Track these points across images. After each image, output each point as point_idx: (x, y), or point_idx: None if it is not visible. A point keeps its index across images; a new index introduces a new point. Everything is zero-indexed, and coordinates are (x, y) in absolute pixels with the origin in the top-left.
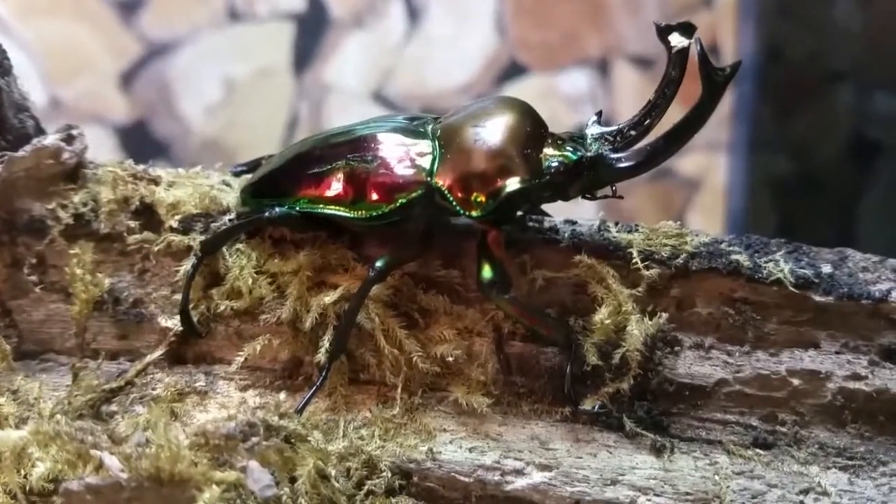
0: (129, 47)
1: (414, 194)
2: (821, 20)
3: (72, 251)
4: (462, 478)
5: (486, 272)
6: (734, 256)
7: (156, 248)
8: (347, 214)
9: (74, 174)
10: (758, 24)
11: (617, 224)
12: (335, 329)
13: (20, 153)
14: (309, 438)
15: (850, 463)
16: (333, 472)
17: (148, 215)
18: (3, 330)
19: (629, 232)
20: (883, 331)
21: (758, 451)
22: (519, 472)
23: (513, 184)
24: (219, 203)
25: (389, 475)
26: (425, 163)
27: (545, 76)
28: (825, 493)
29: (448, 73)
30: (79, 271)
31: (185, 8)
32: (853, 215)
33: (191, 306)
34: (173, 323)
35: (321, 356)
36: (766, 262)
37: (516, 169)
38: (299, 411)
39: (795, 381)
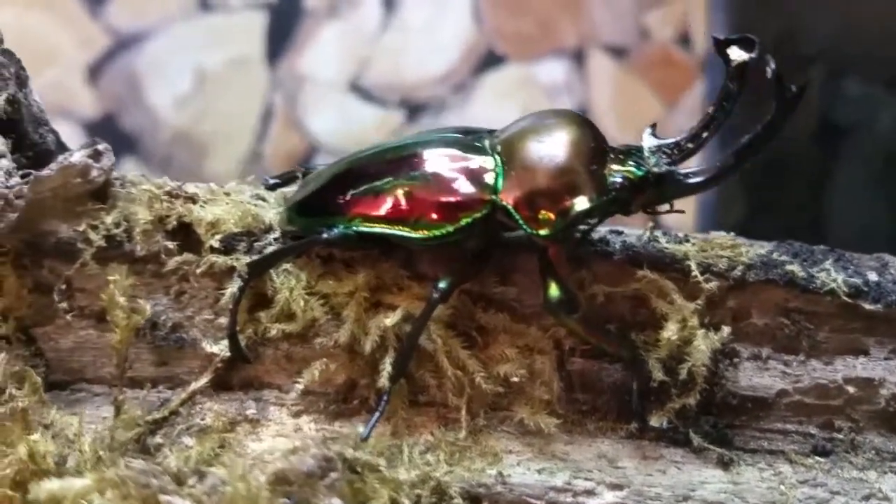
0: (96, 38)
1: (478, 213)
2: (790, 6)
3: (109, 276)
4: (533, 500)
5: (554, 291)
6: (788, 267)
7: (198, 271)
8: (410, 235)
9: (102, 192)
10: (728, 11)
11: (665, 235)
12: (397, 352)
13: (46, 172)
14: (380, 468)
15: None
16: (407, 502)
17: (186, 235)
18: (28, 360)
19: (679, 243)
20: None
21: (818, 458)
22: (590, 493)
23: (582, 203)
24: (261, 220)
25: (460, 502)
26: (489, 180)
27: (522, 65)
28: (886, 499)
29: (425, 62)
30: (119, 297)
31: None
32: (822, 198)
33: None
34: (219, 348)
35: (384, 380)
36: (818, 272)
37: (584, 187)
38: (365, 439)
39: (851, 389)
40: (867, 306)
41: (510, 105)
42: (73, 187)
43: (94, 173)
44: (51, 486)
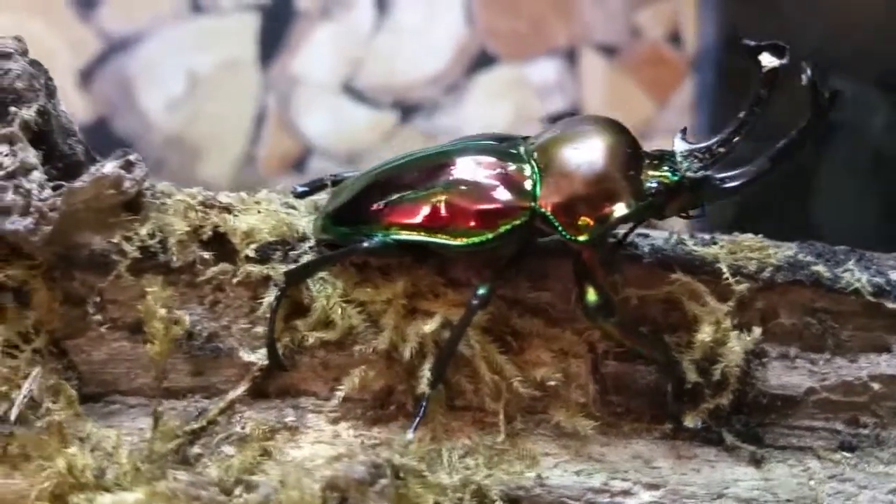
0: (88, 42)
1: (518, 221)
2: (779, 7)
3: (146, 287)
4: (572, 502)
5: (591, 296)
6: (814, 268)
7: (234, 280)
8: (449, 243)
9: (135, 203)
10: (718, 12)
11: (692, 237)
12: (436, 358)
13: (79, 184)
14: (424, 474)
15: None
16: None
17: (221, 245)
18: (61, 373)
19: (707, 245)
20: None
21: (844, 454)
22: (627, 493)
23: (620, 209)
24: (295, 229)
25: None
26: (527, 186)
27: (515, 66)
28: None
29: (418, 63)
30: (157, 309)
31: (146, 0)
32: (812, 195)
33: None
34: (256, 357)
35: (423, 386)
36: (843, 273)
37: (622, 193)
38: (407, 439)
39: (876, 386)
40: (890, 305)
41: (503, 105)
42: (105, 199)
43: (127, 184)
44: (103, 500)
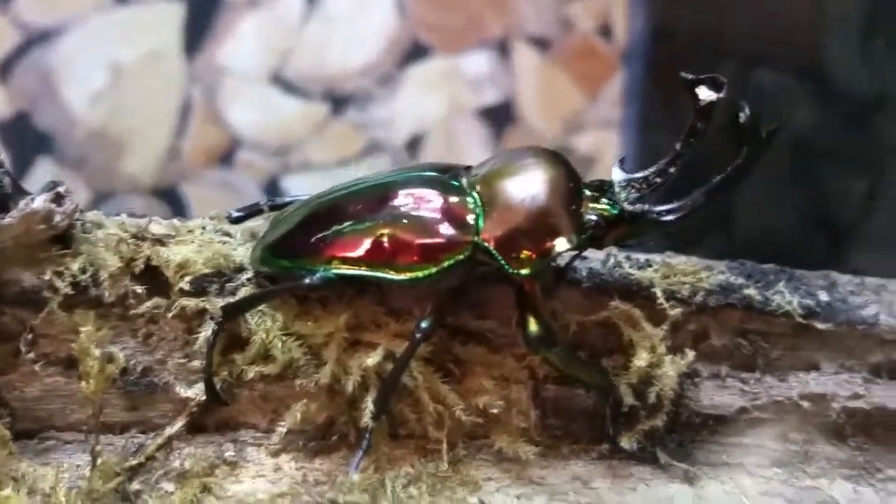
0: (5, 34)
1: (461, 255)
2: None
3: (78, 324)
4: None
5: (533, 327)
6: (745, 291)
7: (169, 315)
8: (393, 277)
9: (65, 236)
10: (647, 5)
11: (628, 259)
12: (379, 390)
13: (7, 220)
14: None
15: (852, 473)
16: None
17: (154, 277)
18: None
19: (642, 268)
20: (874, 349)
21: (775, 469)
22: None
23: (562, 244)
24: (231, 260)
25: None
26: (470, 220)
27: (447, 57)
28: None
29: (349, 53)
30: (91, 347)
31: None
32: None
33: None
34: (193, 392)
35: (367, 420)
36: (773, 295)
37: (564, 228)
38: (350, 475)
39: (805, 404)
40: (820, 326)
41: (436, 97)
42: (35, 234)
43: (57, 218)
44: None
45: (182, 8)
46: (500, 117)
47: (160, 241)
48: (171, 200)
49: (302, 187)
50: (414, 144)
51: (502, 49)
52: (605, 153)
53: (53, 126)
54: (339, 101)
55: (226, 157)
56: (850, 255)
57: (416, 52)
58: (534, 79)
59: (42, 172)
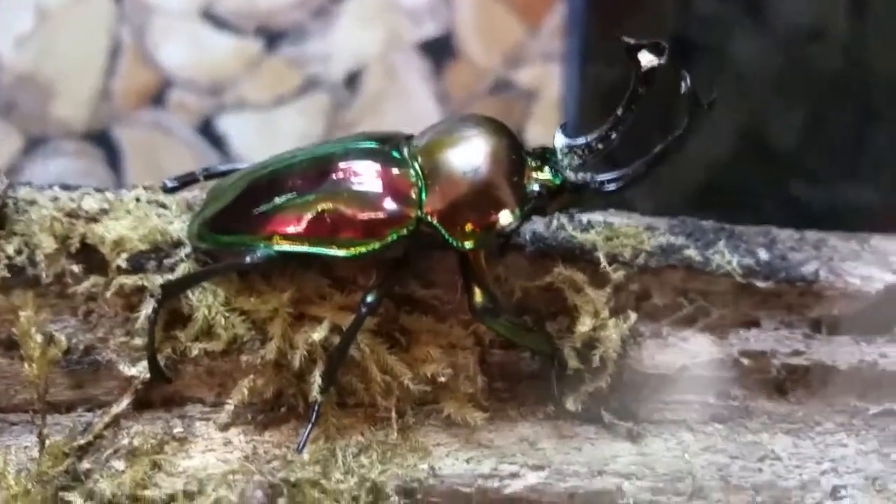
0: None
1: (404, 230)
2: None
3: (21, 311)
4: (464, 489)
5: (478, 298)
6: (686, 252)
7: (108, 294)
8: (335, 253)
9: None
10: None
11: (570, 220)
12: (326, 364)
13: None
14: (321, 481)
15: (792, 427)
16: None
17: (90, 256)
18: None
19: (585, 230)
20: (813, 306)
21: (716, 425)
22: (515, 475)
23: (506, 216)
24: (168, 235)
25: (395, 498)
26: (413, 194)
27: None
28: (778, 458)
29: None
30: (31, 330)
31: None
32: (671, 118)
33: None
34: (137, 370)
35: (315, 394)
36: (713, 255)
37: (507, 200)
38: (299, 450)
39: (745, 361)
40: (760, 284)
41: (373, 30)
42: None
43: None
44: None
45: None
46: (440, 51)
47: (94, 218)
48: (104, 144)
49: (237, 127)
50: (352, 80)
51: None
52: (547, 86)
53: None
54: (272, 37)
55: (157, 97)
56: (789, 184)
57: None
58: (473, 11)
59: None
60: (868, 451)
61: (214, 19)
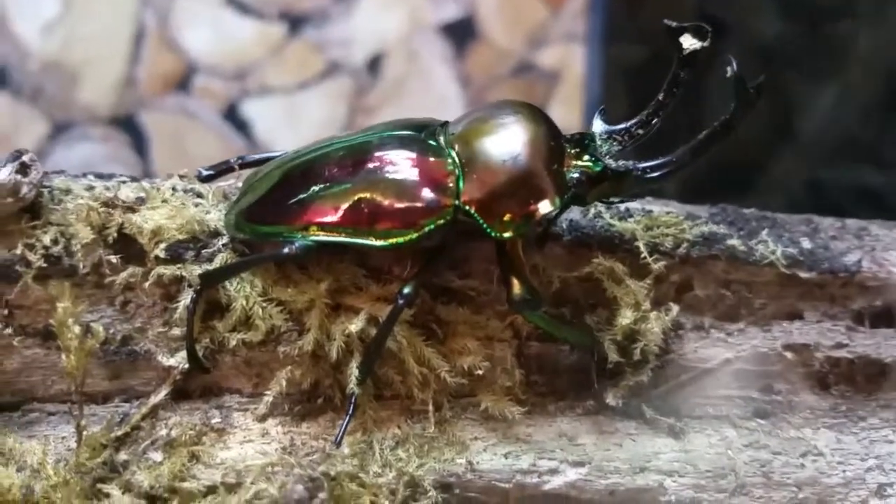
0: None
1: (441, 220)
2: None
3: (58, 301)
4: (502, 484)
5: (517, 289)
6: (729, 242)
7: (146, 284)
8: (373, 243)
9: (34, 206)
10: None
11: (608, 208)
12: (363, 355)
13: None
14: (360, 475)
15: (835, 422)
16: (386, 502)
17: (128, 246)
18: None
19: (623, 219)
20: (855, 297)
21: (759, 420)
22: (554, 472)
23: (545, 206)
24: (205, 225)
25: (434, 493)
26: (450, 183)
27: None
28: (821, 454)
29: None
30: (69, 321)
31: None
32: (700, 92)
33: None
34: (175, 360)
35: (352, 385)
36: (756, 245)
37: (547, 189)
38: (337, 444)
39: (788, 355)
40: (803, 275)
41: (395, 13)
42: (4, 208)
43: (25, 189)
44: None
45: None
46: (461, 33)
47: (131, 207)
48: (130, 129)
49: (262, 111)
50: (374, 64)
51: None
52: (570, 67)
53: (6, 59)
54: (295, 21)
55: (182, 83)
56: (815, 165)
57: None
58: None
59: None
60: None
61: (237, 4)
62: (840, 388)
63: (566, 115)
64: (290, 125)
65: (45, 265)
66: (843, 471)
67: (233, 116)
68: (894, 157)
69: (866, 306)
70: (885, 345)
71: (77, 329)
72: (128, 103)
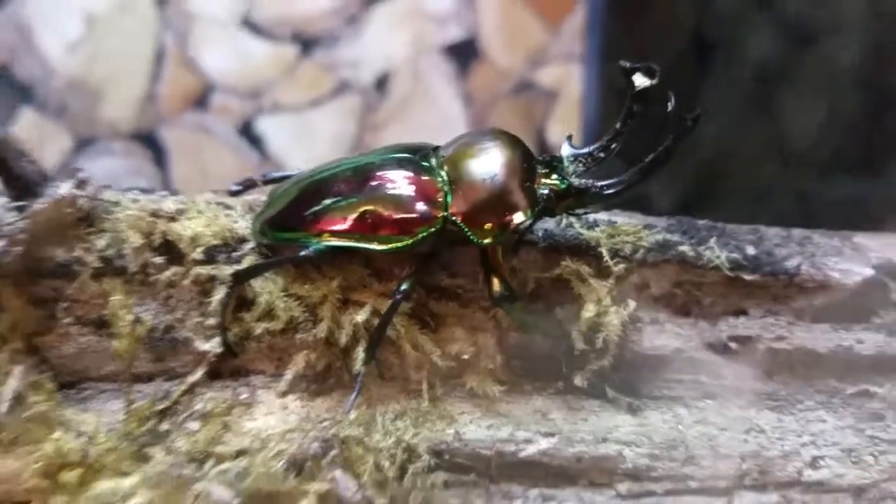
0: None
1: (433, 228)
2: None
3: (112, 295)
4: (484, 451)
5: (496, 287)
6: (680, 248)
7: (185, 282)
8: (375, 247)
9: (89, 216)
10: None
11: (578, 219)
12: (367, 341)
13: (39, 206)
14: (364, 440)
15: (776, 404)
16: (386, 464)
17: (170, 249)
18: (37, 367)
19: (590, 228)
20: (796, 296)
21: (707, 401)
22: (528, 441)
23: (519, 217)
24: (235, 232)
25: (427, 457)
26: (440, 198)
27: None
28: (762, 431)
29: None
30: (121, 312)
31: None
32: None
33: None
34: (210, 345)
35: (359, 367)
36: (704, 251)
37: (520, 203)
38: (347, 413)
39: (734, 346)
40: (747, 277)
41: (401, 35)
42: (64, 217)
43: (82, 201)
44: (103, 486)
45: None
46: (464, 54)
47: (173, 217)
48: (150, 144)
49: (275, 128)
50: (382, 83)
51: None
52: (568, 85)
53: (33, 77)
54: (307, 43)
55: (200, 100)
56: (804, 180)
57: None
58: (496, 14)
59: (25, 122)
60: (845, 427)
61: (253, 27)
62: (781, 376)
63: (564, 131)
64: (302, 141)
65: (99, 265)
66: (782, 445)
67: (248, 132)
68: (881, 169)
69: (806, 305)
70: (821, 338)
71: (128, 318)
72: (148, 119)
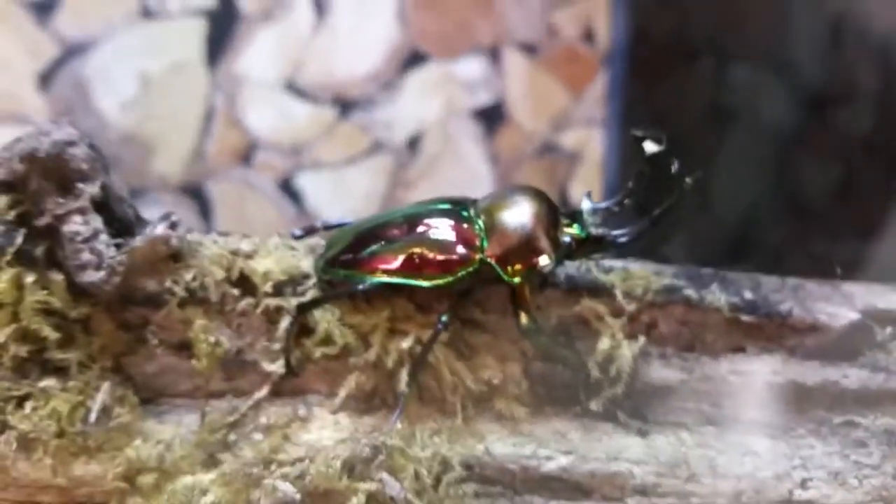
0: (45, 47)
1: (470, 268)
2: (680, 2)
3: (196, 320)
4: (510, 466)
5: (524, 320)
6: (685, 291)
7: (256, 312)
8: (420, 283)
9: (178, 253)
10: (627, 8)
11: (596, 265)
12: (411, 366)
13: (138, 243)
14: (406, 451)
15: (770, 431)
16: (424, 472)
17: (245, 283)
18: (121, 383)
19: (606, 272)
20: (788, 336)
21: (708, 427)
22: (549, 458)
23: (544, 259)
24: (300, 270)
25: (459, 469)
26: (477, 242)
27: (443, 63)
28: (757, 455)
29: (354, 62)
30: (202, 335)
31: (99, 7)
32: (709, 175)
33: None
34: (274, 367)
35: (402, 388)
36: (707, 294)
37: (546, 248)
38: (391, 428)
39: (732, 378)
40: (744, 318)
41: (433, 100)
42: (158, 253)
43: (174, 241)
44: (184, 481)
45: (204, 22)
46: (492, 117)
47: (249, 255)
48: (197, 197)
49: (313, 183)
50: (414, 143)
51: (493, 55)
52: (590, 148)
53: (89, 131)
54: (346, 106)
55: (245, 157)
56: (817, 236)
57: (414, 59)
58: (522, 81)
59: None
60: (832, 452)
61: (296, 90)
62: (776, 406)
63: (586, 190)
64: (338, 196)
65: (185, 295)
66: (775, 468)
67: (287, 187)
68: (891, 231)
69: (798, 344)
70: (811, 373)
71: (212, 339)
72: (196, 174)
